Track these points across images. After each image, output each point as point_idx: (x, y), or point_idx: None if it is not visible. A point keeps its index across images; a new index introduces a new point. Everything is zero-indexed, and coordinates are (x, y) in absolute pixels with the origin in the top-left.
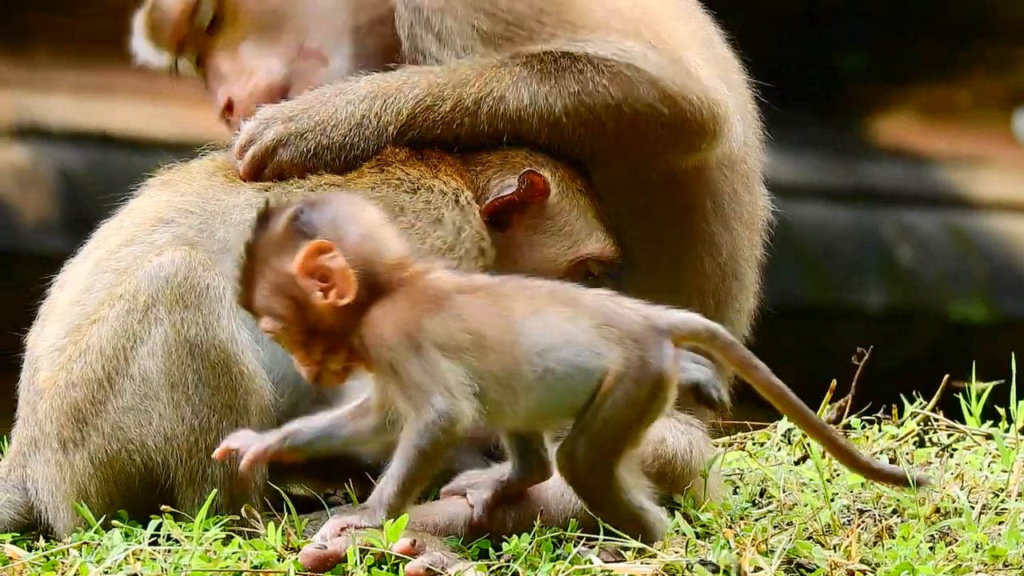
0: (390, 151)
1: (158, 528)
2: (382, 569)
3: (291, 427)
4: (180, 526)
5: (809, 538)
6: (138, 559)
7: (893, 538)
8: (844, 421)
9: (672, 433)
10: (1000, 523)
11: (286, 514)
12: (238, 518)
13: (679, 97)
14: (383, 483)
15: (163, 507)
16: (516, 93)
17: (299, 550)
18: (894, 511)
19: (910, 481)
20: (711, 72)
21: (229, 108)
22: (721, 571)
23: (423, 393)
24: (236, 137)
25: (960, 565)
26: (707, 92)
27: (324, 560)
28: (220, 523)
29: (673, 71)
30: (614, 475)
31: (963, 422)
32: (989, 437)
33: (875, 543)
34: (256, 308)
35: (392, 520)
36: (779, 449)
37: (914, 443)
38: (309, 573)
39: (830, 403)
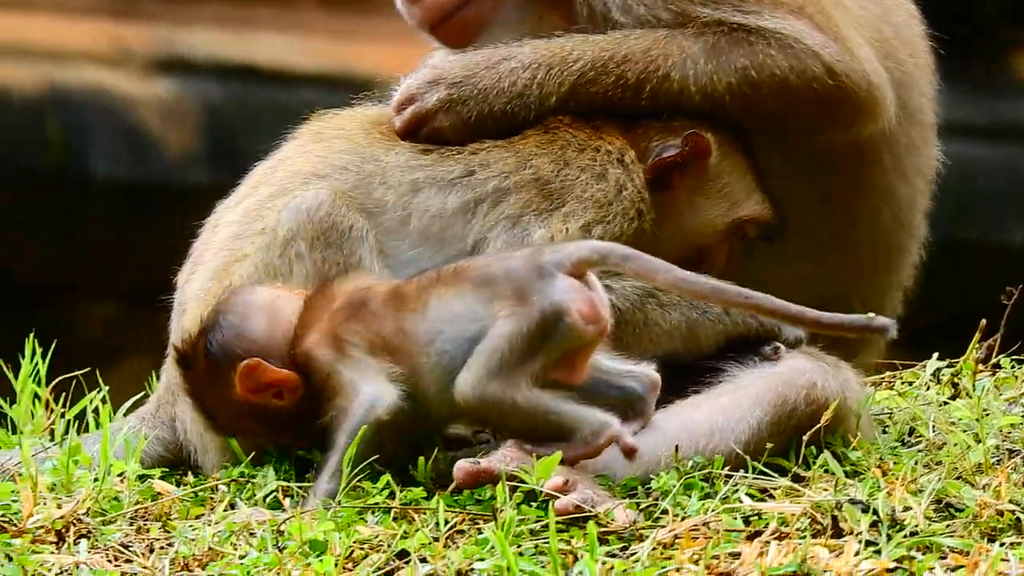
0: (552, 117)
1: (308, 465)
2: (531, 506)
3: None
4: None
5: (958, 478)
6: (288, 495)
7: None
8: (993, 360)
9: (822, 376)
10: None
11: (435, 451)
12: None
13: (841, 75)
14: (321, 472)
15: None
16: (682, 72)
17: (447, 486)
18: None
19: (875, 326)
20: (869, 52)
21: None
22: (870, 510)
23: (350, 385)
24: (395, 91)
25: None
26: (866, 72)
27: (477, 475)
28: (369, 460)
29: (835, 49)
30: (515, 402)
31: None
32: None
33: None
34: (240, 431)
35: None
36: (928, 388)
37: None
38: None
39: (979, 342)
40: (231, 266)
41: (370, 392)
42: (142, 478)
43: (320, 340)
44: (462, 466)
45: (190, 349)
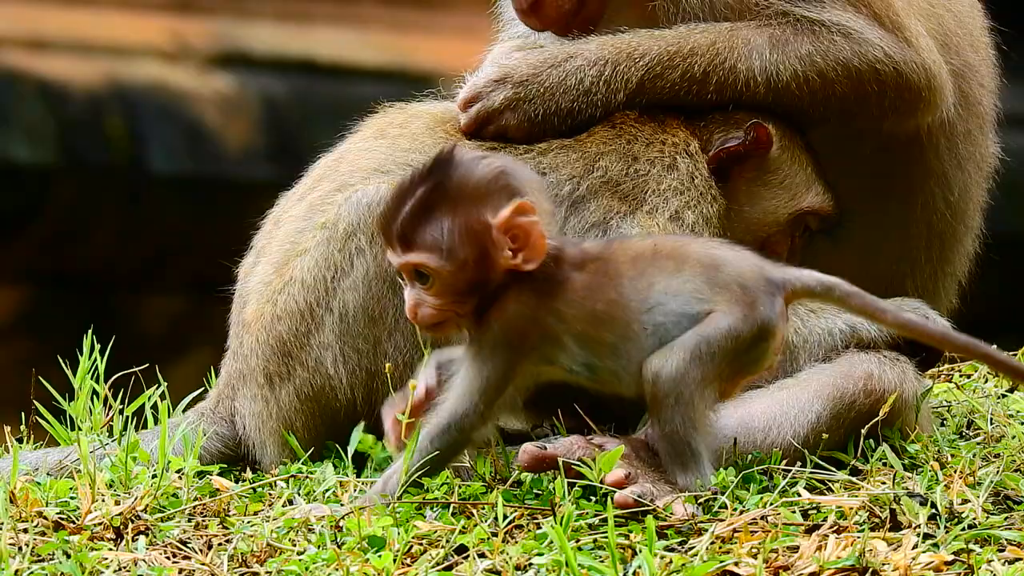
0: (617, 114)
1: (365, 460)
2: (590, 500)
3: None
4: (389, 458)
5: (1017, 470)
6: (346, 491)
7: None
8: None
9: (880, 367)
10: None
11: (494, 446)
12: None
13: (901, 64)
14: (391, 465)
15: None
16: (747, 63)
17: (506, 481)
18: None
19: None
20: (930, 43)
21: (536, 5)
22: (928, 503)
23: (471, 392)
24: (461, 88)
25: None
26: (926, 62)
27: (541, 459)
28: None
29: (895, 39)
30: (693, 400)
31: None
32: None
33: None
34: (423, 243)
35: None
36: (986, 381)
37: None
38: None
39: None
40: (292, 260)
41: (466, 412)
42: (200, 474)
43: (518, 311)
44: (528, 449)
45: (476, 159)
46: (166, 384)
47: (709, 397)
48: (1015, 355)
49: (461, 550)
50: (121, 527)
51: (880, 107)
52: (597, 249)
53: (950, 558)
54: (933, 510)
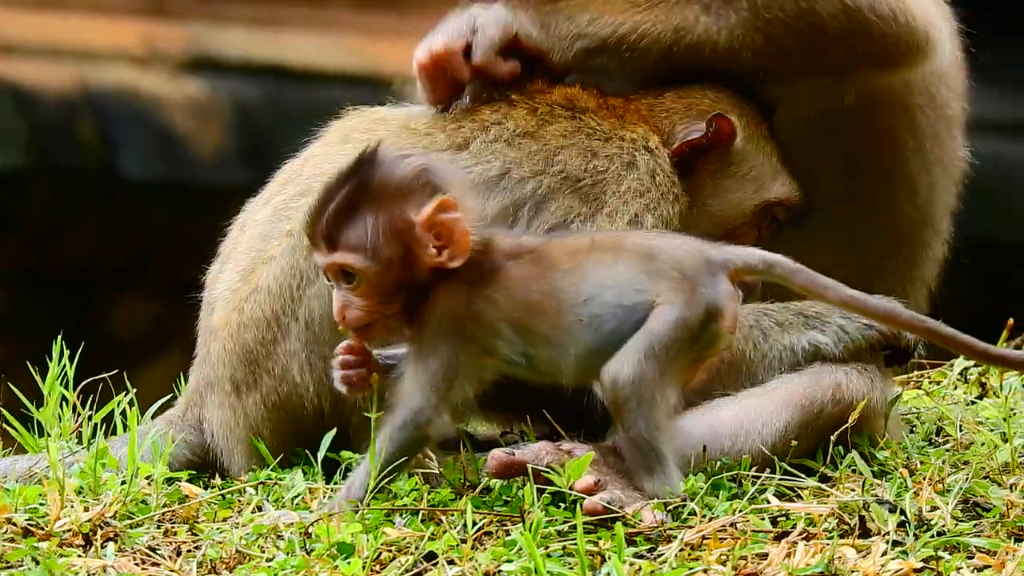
0: (579, 96)
1: (334, 468)
2: (559, 507)
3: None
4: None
5: (986, 477)
6: (315, 498)
7: None
8: None
9: (848, 377)
10: None
11: (463, 453)
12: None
13: (866, 8)
14: (355, 470)
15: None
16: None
17: (475, 487)
18: None
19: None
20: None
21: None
22: (898, 510)
23: (422, 386)
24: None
25: None
26: (905, 5)
27: (510, 466)
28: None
29: None
30: (654, 401)
31: None
32: None
33: None
34: (347, 243)
35: (355, 508)
36: (955, 388)
37: None
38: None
39: (1006, 341)
40: (258, 267)
41: (424, 406)
42: (169, 481)
43: (452, 303)
44: (496, 455)
45: (399, 157)
46: (136, 390)
47: (670, 394)
48: None
49: (430, 557)
50: (90, 534)
51: (849, 58)
52: (535, 242)
53: (919, 565)
54: (902, 517)
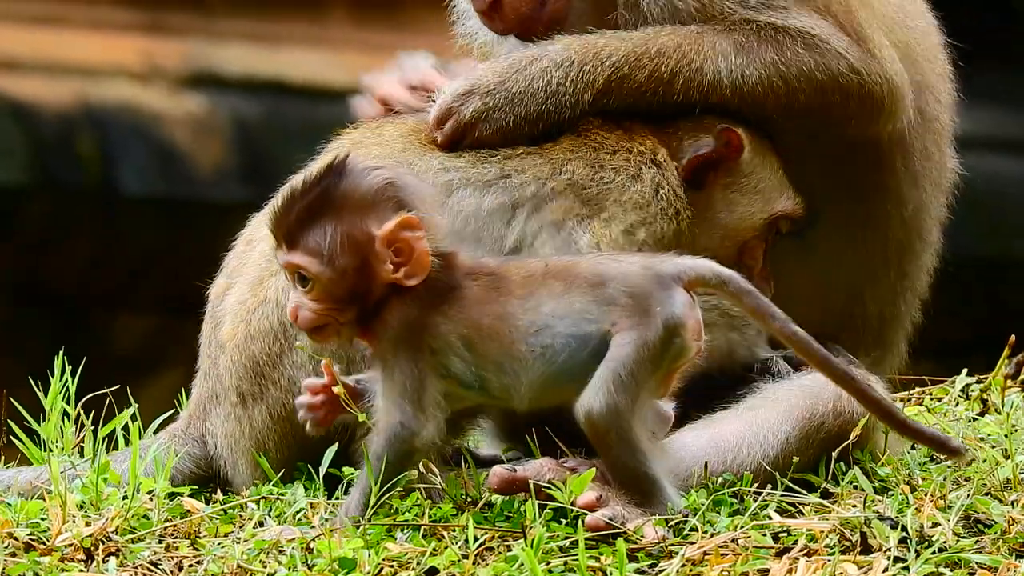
0: (582, 121)
1: (336, 483)
2: (560, 523)
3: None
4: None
5: (987, 494)
6: (317, 512)
7: None
8: (1022, 376)
9: (880, 392)
10: None
11: (464, 469)
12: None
13: (864, 74)
14: (352, 490)
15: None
16: (714, 65)
17: (477, 503)
18: None
19: (950, 447)
20: (892, 54)
21: (496, 6)
22: (899, 526)
23: (395, 400)
24: (432, 107)
25: None
26: (887, 72)
27: (512, 482)
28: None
29: (858, 50)
30: (632, 429)
31: None
32: None
33: None
34: (305, 246)
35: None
36: (957, 404)
37: None
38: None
39: (1008, 358)
40: (266, 280)
41: (408, 419)
42: (171, 496)
43: (408, 315)
44: (498, 472)
45: (368, 169)
46: (137, 406)
47: (645, 419)
48: (985, 378)
49: (432, 572)
50: (92, 548)
51: (843, 115)
52: (492, 264)
53: None
54: (904, 533)
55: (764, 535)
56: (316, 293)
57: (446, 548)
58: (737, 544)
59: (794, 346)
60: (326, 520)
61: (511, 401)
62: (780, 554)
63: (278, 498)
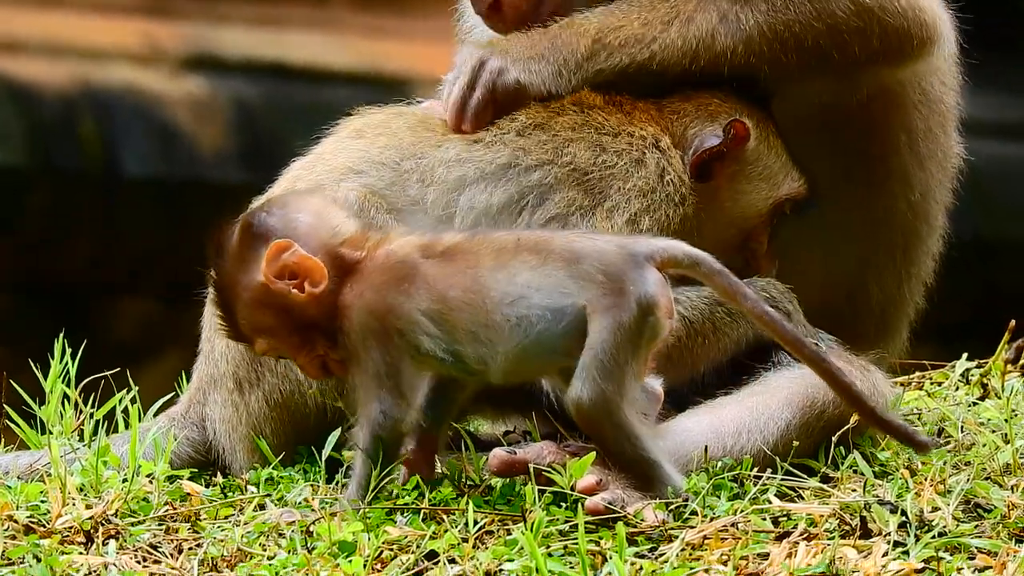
0: (586, 95)
1: (337, 467)
2: (560, 507)
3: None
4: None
5: (987, 478)
6: (316, 496)
7: None
8: (1022, 361)
9: (850, 377)
10: None
11: (464, 452)
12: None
13: (877, 6)
14: (349, 481)
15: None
16: (705, 14)
17: (477, 486)
18: None
19: (916, 441)
20: None
21: (496, 6)
22: (899, 511)
23: (373, 391)
24: (444, 90)
25: None
26: (911, 2)
27: (511, 465)
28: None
29: None
30: (624, 414)
31: None
32: None
33: None
34: (248, 334)
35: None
36: (957, 389)
37: None
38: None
39: (1008, 343)
40: None
41: (389, 405)
42: (171, 479)
43: (366, 303)
44: (498, 454)
45: (228, 230)
46: (137, 388)
47: (634, 401)
48: (985, 363)
49: (431, 556)
50: (91, 531)
51: (869, 54)
52: (456, 239)
53: (920, 566)
54: (903, 518)
55: (764, 519)
56: (289, 353)
57: (446, 531)
58: (737, 528)
59: (766, 327)
60: (326, 503)
61: (487, 374)
62: (780, 538)
63: (278, 481)
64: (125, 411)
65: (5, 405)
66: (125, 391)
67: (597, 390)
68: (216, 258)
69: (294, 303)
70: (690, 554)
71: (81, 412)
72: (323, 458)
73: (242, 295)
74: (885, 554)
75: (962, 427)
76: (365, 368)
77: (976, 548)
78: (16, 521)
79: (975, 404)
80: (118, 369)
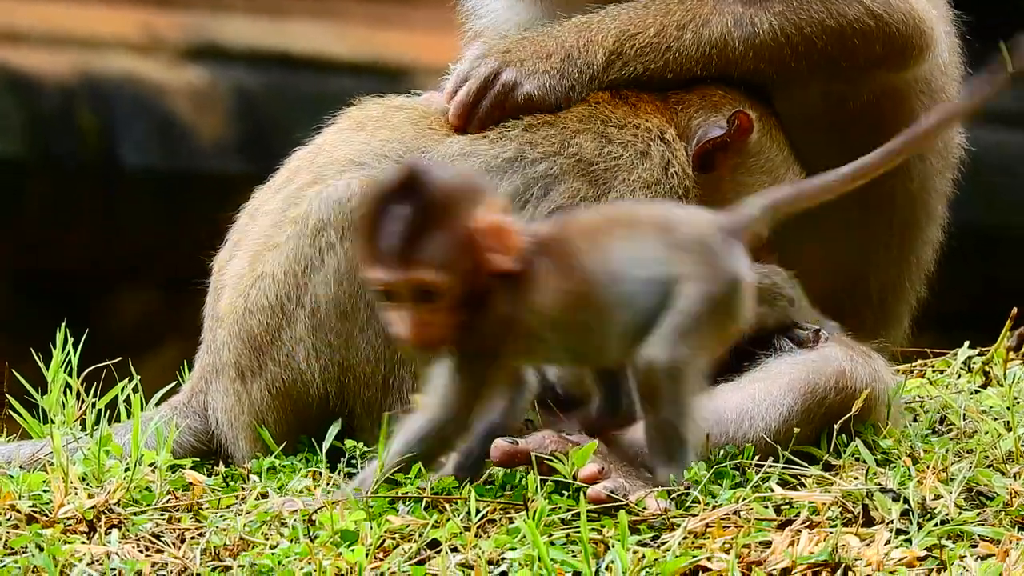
0: (593, 93)
1: (338, 456)
2: (562, 495)
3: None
4: (361, 455)
5: (989, 466)
6: (319, 485)
7: None
8: None
9: (852, 364)
10: None
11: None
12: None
13: (884, 15)
14: (365, 468)
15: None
16: (720, 18)
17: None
18: None
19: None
20: None
21: None
22: (901, 499)
23: (447, 397)
24: (447, 81)
25: None
26: (912, 8)
27: (513, 454)
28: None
29: None
30: (687, 385)
31: None
32: None
33: None
34: (423, 260)
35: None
36: (959, 376)
37: None
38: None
39: (1010, 331)
40: (264, 254)
41: (446, 419)
42: (173, 468)
43: (503, 308)
44: (500, 444)
45: (436, 171)
46: (139, 378)
47: (701, 377)
48: (987, 351)
49: (434, 544)
50: (94, 520)
51: (871, 59)
52: (550, 231)
53: (922, 554)
54: (906, 506)
55: (766, 507)
56: (442, 304)
57: (448, 520)
58: (739, 516)
59: (859, 177)
60: (329, 492)
61: (602, 361)
62: (782, 526)
63: (280, 470)
64: (127, 400)
65: (7, 394)
66: (127, 380)
67: (673, 355)
68: (423, 182)
69: (482, 264)
70: (692, 542)
71: (83, 402)
72: (324, 447)
73: (446, 232)
74: (888, 542)
75: (964, 415)
76: (467, 373)
77: (979, 536)
78: (19, 510)
79: (977, 392)
80: (119, 359)
